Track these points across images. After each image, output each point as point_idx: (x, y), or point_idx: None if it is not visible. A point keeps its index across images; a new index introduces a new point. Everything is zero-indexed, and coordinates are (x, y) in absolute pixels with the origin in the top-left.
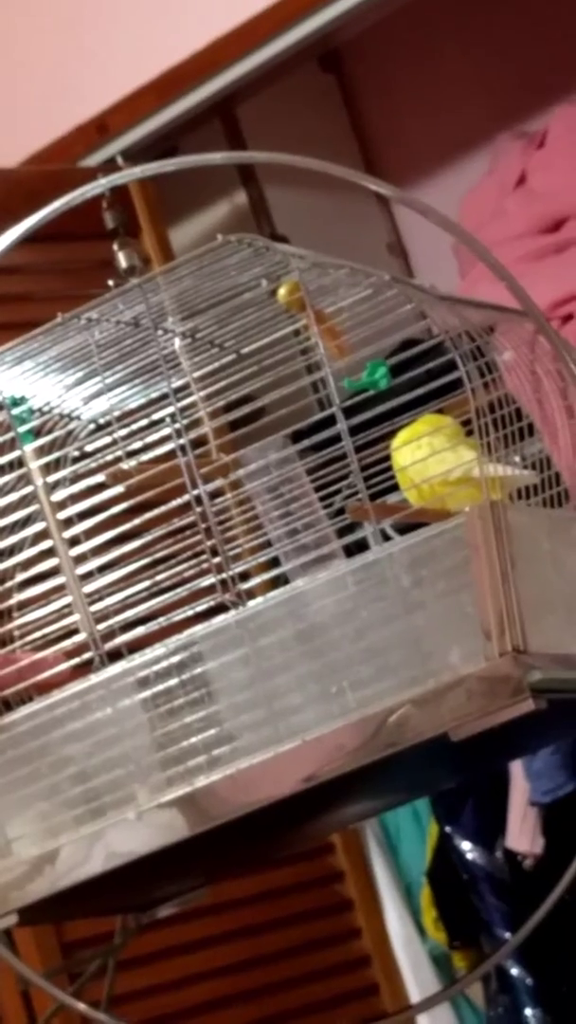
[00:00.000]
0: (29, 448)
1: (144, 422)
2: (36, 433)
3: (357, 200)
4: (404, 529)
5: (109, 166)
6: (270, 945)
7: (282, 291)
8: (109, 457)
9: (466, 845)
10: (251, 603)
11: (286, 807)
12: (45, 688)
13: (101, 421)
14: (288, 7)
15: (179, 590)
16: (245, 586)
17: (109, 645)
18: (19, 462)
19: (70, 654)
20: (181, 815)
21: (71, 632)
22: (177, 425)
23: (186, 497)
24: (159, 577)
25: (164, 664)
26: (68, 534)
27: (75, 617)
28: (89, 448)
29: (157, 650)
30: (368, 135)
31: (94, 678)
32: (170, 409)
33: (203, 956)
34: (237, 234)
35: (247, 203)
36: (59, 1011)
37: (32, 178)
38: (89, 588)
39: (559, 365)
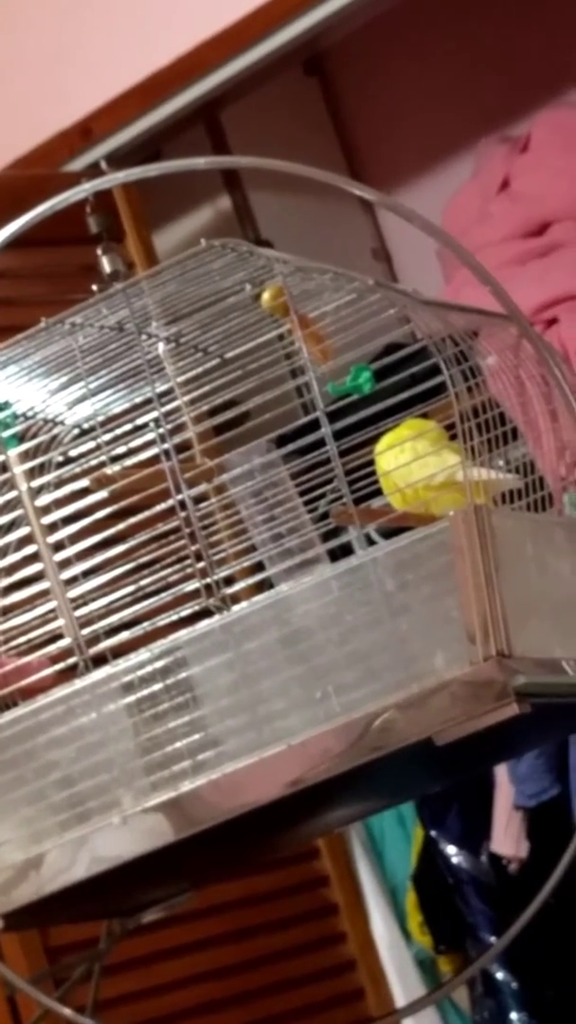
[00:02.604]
0: (13, 453)
1: (128, 427)
2: (20, 438)
3: (341, 204)
4: (388, 533)
5: (93, 171)
6: (255, 950)
7: (266, 296)
8: (93, 462)
9: (451, 849)
10: (235, 608)
11: (271, 812)
12: (29, 693)
13: (85, 426)
14: (272, 11)
15: (163, 595)
16: (229, 591)
17: (94, 650)
18: (3, 467)
19: (55, 659)
20: (166, 820)
21: (55, 637)
22: (161, 430)
23: (170, 502)
24: (144, 582)
25: (149, 669)
26: (52, 539)
27: (60, 622)
28: (73, 453)
29: (142, 655)
30: (352, 139)
31: (79, 683)
32: (154, 414)
33: (188, 961)
34: (221, 239)
35: (231, 208)
36: (45, 1016)
37: (15, 183)
38: (74, 593)
39: (543, 369)
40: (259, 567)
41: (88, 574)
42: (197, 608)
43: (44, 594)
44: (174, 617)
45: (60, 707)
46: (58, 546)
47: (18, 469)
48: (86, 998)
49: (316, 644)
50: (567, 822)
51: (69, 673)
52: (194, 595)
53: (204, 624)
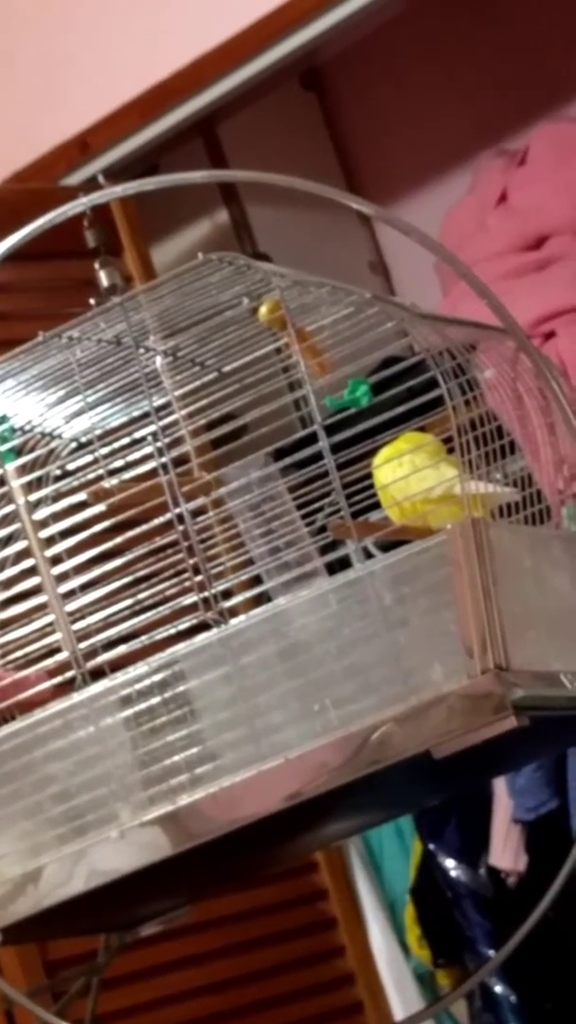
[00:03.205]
0: (11, 467)
1: (126, 440)
2: (18, 452)
3: (339, 218)
4: (386, 547)
5: (90, 185)
6: (254, 963)
7: (263, 309)
8: (91, 475)
9: (450, 862)
10: (233, 621)
11: (269, 825)
12: (27, 707)
13: (83, 439)
14: (269, 26)
15: (161, 608)
16: (227, 604)
17: (91, 664)
18: (0, 481)
19: (52, 673)
20: (164, 833)
21: (53, 651)
22: (159, 443)
23: (168, 515)
24: (141, 595)
25: (147, 682)
26: (50, 552)
27: (57, 636)
28: (71, 466)
29: (139, 668)
30: (349, 153)
31: (76, 697)
32: (152, 427)
33: (186, 975)
34: (219, 252)
35: (229, 221)
36: None
37: (13, 197)
38: (71, 607)
39: (540, 383)
40: (257, 580)
41: (86, 588)
42: (195, 621)
43: (41, 608)
44: (172, 630)
45: (58, 721)
46: (55, 560)
47: (15, 483)
48: (84, 1012)
49: (314, 657)
50: (565, 835)
51: (67, 687)
52: (192, 608)
53: (202, 637)
